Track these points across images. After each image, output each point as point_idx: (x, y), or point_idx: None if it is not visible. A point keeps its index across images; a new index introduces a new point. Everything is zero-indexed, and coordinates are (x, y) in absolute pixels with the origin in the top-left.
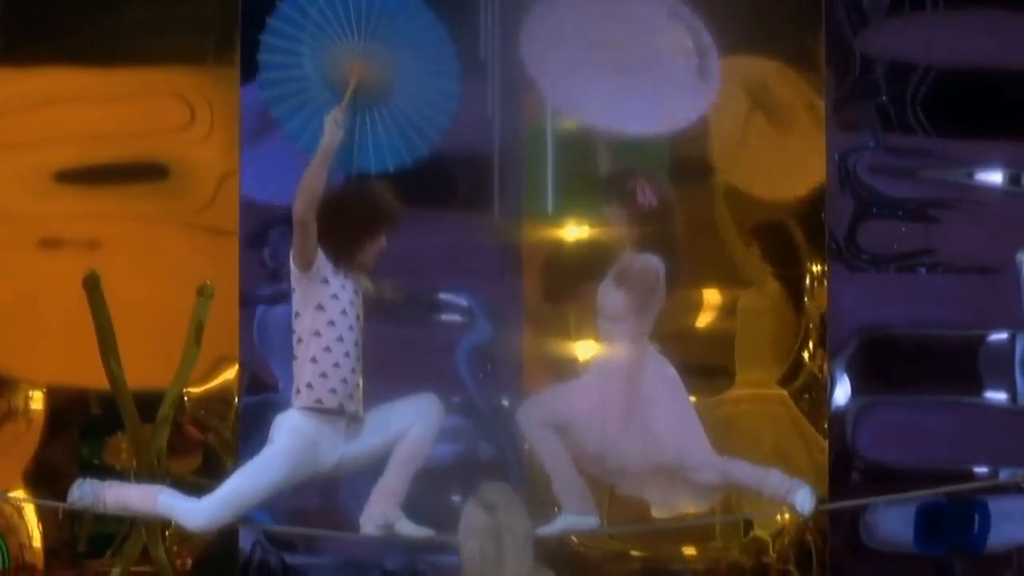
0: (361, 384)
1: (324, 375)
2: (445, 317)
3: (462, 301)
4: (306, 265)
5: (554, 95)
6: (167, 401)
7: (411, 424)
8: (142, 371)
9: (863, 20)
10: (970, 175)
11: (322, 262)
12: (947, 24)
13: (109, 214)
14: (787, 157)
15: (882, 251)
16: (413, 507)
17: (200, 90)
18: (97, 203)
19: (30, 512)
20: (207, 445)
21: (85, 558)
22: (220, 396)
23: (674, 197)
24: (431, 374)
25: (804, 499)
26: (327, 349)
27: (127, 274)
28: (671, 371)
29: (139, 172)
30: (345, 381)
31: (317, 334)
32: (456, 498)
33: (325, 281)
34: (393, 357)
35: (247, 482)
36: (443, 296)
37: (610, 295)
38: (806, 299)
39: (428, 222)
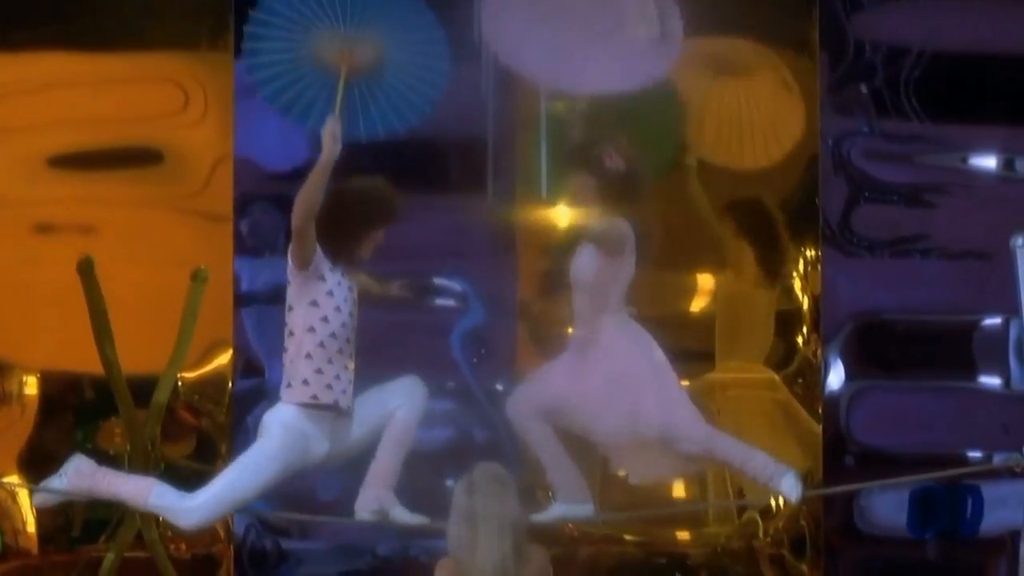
0: (353, 380)
1: (320, 371)
2: (439, 301)
3: (456, 285)
4: (305, 265)
5: (509, 55)
6: (161, 386)
7: (396, 407)
8: (136, 356)
9: (857, 4)
10: (964, 160)
11: (320, 259)
12: (941, 8)
13: (103, 199)
14: (759, 129)
15: (876, 236)
16: (407, 492)
17: (194, 75)
18: (91, 188)
19: (24, 497)
20: (201, 430)
21: (79, 543)
22: (214, 381)
23: (641, 162)
24: (425, 358)
25: (791, 485)
26: (321, 345)
27: (121, 259)
28: (649, 339)
29: (133, 157)
30: (339, 377)
31: (311, 329)
32: (450, 483)
33: (322, 278)
34: (387, 341)
35: (240, 479)
36: (437, 280)
37: (581, 262)
38: (797, 282)
39: (422, 206)
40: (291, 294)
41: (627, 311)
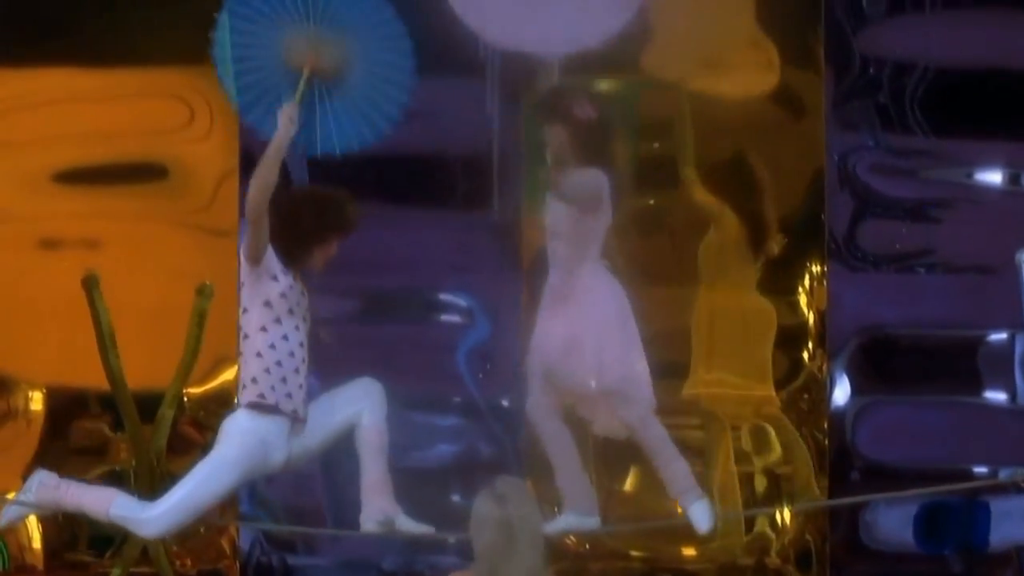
0: (305, 386)
1: (267, 370)
2: (445, 316)
3: (461, 301)
4: (256, 259)
5: (474, 19)
6: (167, 401)
7: (357, 412)
8: (141, 371)
9: (862, 19)
10: (969, 175)
11: (272, 259)
12: (947, 23)
13: (108, 214)
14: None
15: (882, 251)
16: (413, 506)
17: (199, 90)
18: (96, 203)
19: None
20: (206, 445)
21: (85, 559)
22: (219, 396)
23: (612, 110)
24: (431, 373)
25: (700, 512)
26: (272, 346)
27: (126, 274)
28: (621, 291)
29: (138, 172)
30: (285, 380)
31: (263, 329)
32: (456, 497)
33: (274, 278)
34: (393, 356)
35: (199, 487)
36: (442, 295)
37: (554, 211)
38: (802, 297)
39: (427, 221)
40: (245, 295)
41: (602, 263)
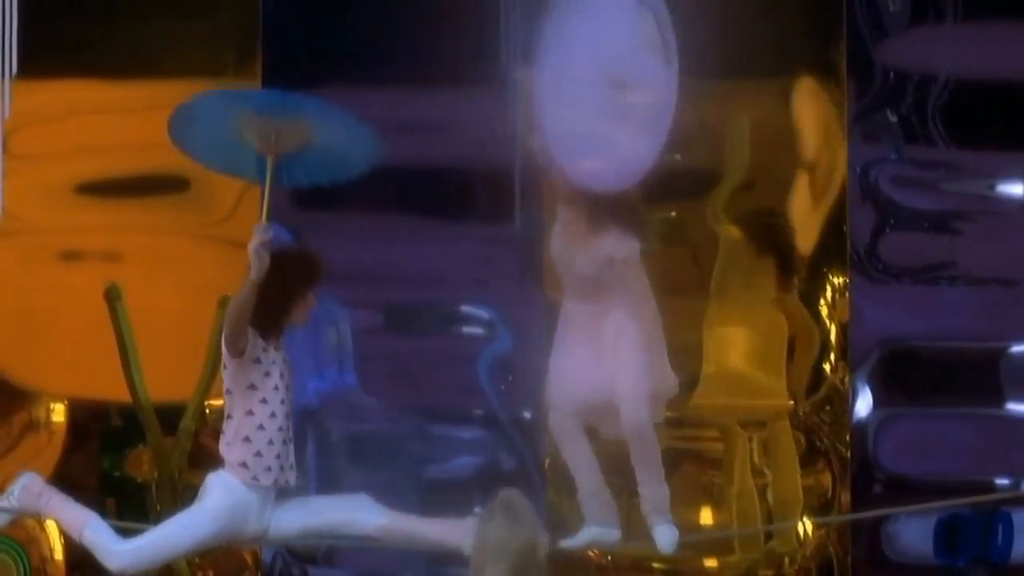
0: (292, 455)
1: (259, 454)
2: (466, 329)
3: (483, 313)
4: (239, 355)
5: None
6: (188, 414)
7: (348, 521)
8: (163, 383)
9: (884, 31)
10: (991, 187)
11: (254, 344)
12: (968, 35)
13: (130, 226)
14: None
15: (903, 263)
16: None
17: None
18: (118, 215)
19: (52, 525)
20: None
21: (106, 571)
22: None
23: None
24: (452, 386)
25: (665, 534)
26: (260, 427)
27: (148, 286)
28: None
29: (159, 184)
30: (279, 456)
31: (250, 412)
32: (477, 510)
33: (257, 361)
34: (415, 369)
35: (173, 536)
36: (464, 308)
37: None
38: (824, 309)
39: (450, 234)
40: (227, 378)
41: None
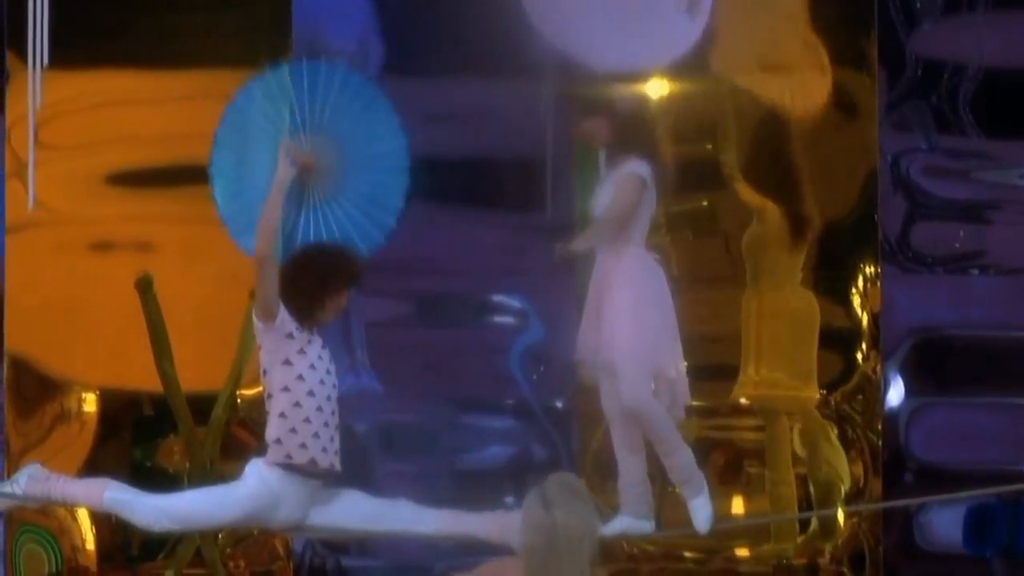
0: (336, 438)
1: (293, 430)
2: (498, 318)
3: (515, 303)
4: (269, 314)
5: (558, 39)
6: (220, 403)
7: (401, 518)
8: (195, 373)
9: (916, 21)
10: (1022, 176)
11: (285, 318)
12: (999, 25)
13: (161, 216)
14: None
15: (935, 252)
16: (467, 509)
17: None
18: (149, 206)
19: (83, 515)
20: (259, 448)
21: (138, 561)
22: None
23: (652, 102)
24: (485, 375)
25: (701, 506)
26: (297, 404)
27: (179, 276)
28: (661, 274)
29: (191, 174)
30: (317, 435)
31: (286, 389)
32: (509, 499)
33: (290, 336)
34: (447, 358)
35: (202, 508)
36: (496, 297)
37: (600, 200)
38: (856, 299)
39: (481, 224)
40: (264, 357)
41: (649, 253)
